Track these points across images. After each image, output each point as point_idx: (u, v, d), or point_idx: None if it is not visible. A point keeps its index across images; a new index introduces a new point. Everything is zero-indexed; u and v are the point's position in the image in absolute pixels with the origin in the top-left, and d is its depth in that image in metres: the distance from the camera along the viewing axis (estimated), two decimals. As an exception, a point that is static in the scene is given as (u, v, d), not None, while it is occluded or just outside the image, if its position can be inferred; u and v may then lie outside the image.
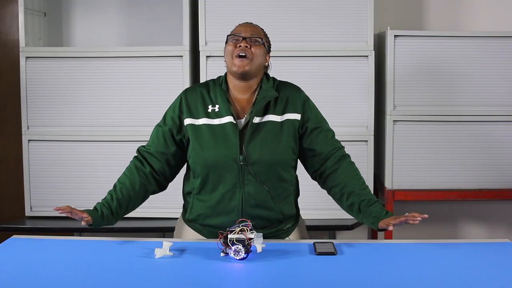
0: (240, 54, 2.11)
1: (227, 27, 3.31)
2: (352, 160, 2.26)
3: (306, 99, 2.22)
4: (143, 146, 2.29)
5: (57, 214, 3.54)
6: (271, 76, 2.26)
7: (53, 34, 3.86)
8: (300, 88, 2.25)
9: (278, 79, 2.27)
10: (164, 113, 2.25)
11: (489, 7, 3.84)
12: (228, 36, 2.20)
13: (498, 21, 3.83)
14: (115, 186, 2.22)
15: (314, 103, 2.26)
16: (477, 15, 3.84)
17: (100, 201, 2.18)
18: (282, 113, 2.15)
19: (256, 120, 2.12)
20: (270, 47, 2.26)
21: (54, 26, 3.86)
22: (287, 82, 2.26)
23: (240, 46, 2.11)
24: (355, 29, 3.42)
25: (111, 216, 2.14)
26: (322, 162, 2.21)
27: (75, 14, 3.86)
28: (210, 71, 3.41)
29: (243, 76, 2.15)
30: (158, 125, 2.24)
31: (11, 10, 4.03)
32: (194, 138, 2.14)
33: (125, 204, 2.18)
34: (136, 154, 2.28)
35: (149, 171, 2.22)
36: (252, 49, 2.12)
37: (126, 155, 3.45)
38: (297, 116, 2.17)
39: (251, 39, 2.13)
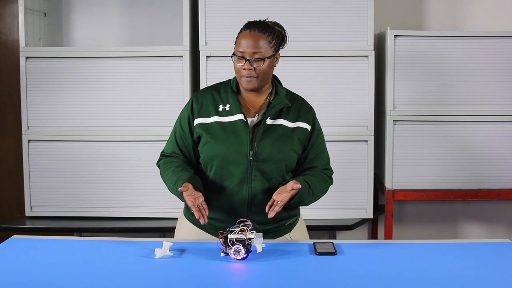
0: (246, 77, 2.15)
1: (227, 27, 3.35)
2: (330, 180, 2.31)
3: (316, 118, 2.30)
4: (163, 152, 2.33)
5: (57, 214, 3.59)
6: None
7: (53, 34, 3.86)
8: (311, 106, 2.32)
9: (290, 90, 2.32)
10: (177, 119, 2.31)
11: (489, 7, 3.84)
12: (234, 44, 2.19)
13: (498, 21, 3.83)
14: (172, 170, 2.20)
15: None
16: (477, 15, 3.84)
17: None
18: (294, 121, 2.23)
19: (269, 122, 2.19)
20: (281, 44, 2.24)
21: (54, 26, 3.86)
22: (299, 95, 2.33)
23: (244, 69, 2.15)
24: (355, 29, 3.42)
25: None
26: (302, 171, 2.28)
27: (75, 14, 3.87)
28: (210, 71, 3.41)
29: (253, 91, 2.22)
30: (174, 130, 2.30)
31: (11, 10, 4.03)
32: (205, 133, 2.20)
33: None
34: (161, 158, 2.33)
35: (182, 159, 2.27)
36: (256, 69, 2.15)
37: (126, 155, 3.50)
38: (307, 127, 2.25)
39: (254, 59, 2.14)
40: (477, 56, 3.45)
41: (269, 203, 2.09)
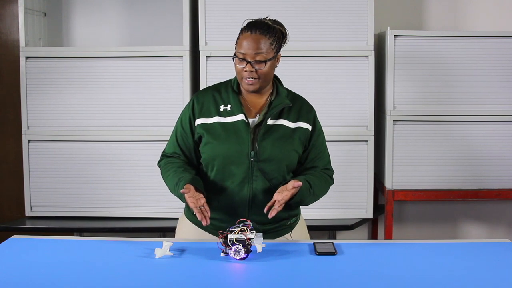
0: (248, 78, 2.15)
1: (227, 27, 3.35)
2: (331, 180, 2.32)
3: (317, 118, 2.31)
4: (164, 152, 2.33)
5: (57, 214, 3.59)
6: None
7: (53, 34, 3.86)
8: (312, 106, 2.32)
9: (291, 90, 2.32)
10: (178, 119, 2.30)
11: (489, 7, 3.84)
12: (235, 44, 2.19)
13: (498, 21, 3.83)
14: (174, 171, 2.20)
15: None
16: (477, 15, 3.84)
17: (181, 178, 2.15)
18: (295, 121, 2.23)
19: (270, 122, 2.20)
20: (282, 43, 2.23)
21: (54, 26, 3.86)
22: (300, 95, 2.33)
23: (246, 71, 2.14)
24: (355, 29, 3.42)
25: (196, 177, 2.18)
26: (302, 170, 2.28)
27: (75, 14, 3.87)
28: (210, 71, 3.41)
29: (254, 92, 2.22)
30: (175, 130, 2.30)
31: (11, 10, 4.03)
32: (206, 133, 2.20)
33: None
34: (162, 158, 2.33)
35: (183, 159, 2.28)
36: (258, 71, 2.14)
37: (126, 155, 3.50)
38: (308, 127, 2.25)
39: (256, 61, 2.14)
40: (477, 56, 3.45)
41: (269, 204, 2.08)
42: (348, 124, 3.46)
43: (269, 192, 2.16)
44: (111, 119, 3.50)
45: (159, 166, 2.32)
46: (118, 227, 3.45)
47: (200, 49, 3.43)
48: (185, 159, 2.27)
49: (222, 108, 2.21)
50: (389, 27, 3.43)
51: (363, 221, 3.53)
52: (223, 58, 3.33)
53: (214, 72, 3.39)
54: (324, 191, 2.27)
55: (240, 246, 1.91)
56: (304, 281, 1.77)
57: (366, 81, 3.44)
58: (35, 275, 1.82)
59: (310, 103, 2.32)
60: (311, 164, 2.27)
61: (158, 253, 1.97)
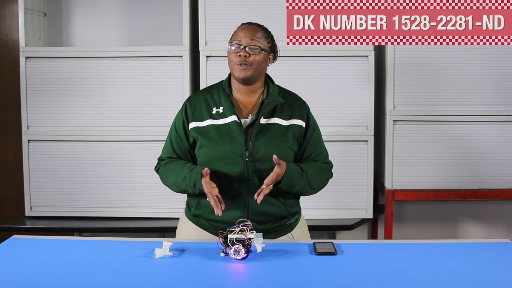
0: (241, 63, 2.17)
1: (227, 27, 3.32)
2: (329, 171, 2.33)
3: (310, 114, 2.30)
4: (160, 157, 2.34)
5: (57, 214, 3.58)
6: (275, 81, 2.33)
7: (53, 34, 3.86)
8: (305, 102, 2.32)
9: (283, 87, 2.33)
10: (171, 124, 2.31)
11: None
12: (230, 40, 2.22)
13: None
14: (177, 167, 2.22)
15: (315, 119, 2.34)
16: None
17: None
18: (288, 118, 2.23)
19: (263, 121, 2.20)
20: (275, 47, 2.28)
21: (54, 26, 3.86)
22: (292, 92, 2.33)
23: (240, 55, 2.17)
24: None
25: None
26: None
27: (75, 14, 3.87)
28: (210, 71, 3.41)
29: (245, 81, 2.22)
30: (169, 135, 2.31)
31: (11, 10, 4.03)
32: (200, 137, 2.21)
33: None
34: (159, 162, 2.33)
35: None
36: (251, 57, 2.17)
37: (126, 155, 3.50)
38: (302, 123, 2.25)
39: (250, 47, 2.17)
40: (478, 56, 3.45)
41: (259, 191, 2.09)
42: (348, 124, 3.46)
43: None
44: (111, 119, 3.50)
45: (157, 171, 2.31)
46: (118, 227, 3.45)
47: (200, 49, 3.43)
48: None
49: (214, 110, 2.22)
50: (389, 27, 3.43)
51: (363, 221, 3.53)
52: (223, 58, 3.28)
53: (214, 72, 3.39)
54: (321, 179, 2.27)
55: (240, 246, 1.91)
56: (304, 281, 1.77)
57: (366, 81, 3.44)
58: (35, 275, 1.82)
59: (304, 99, 2.32)
60: (309, 160, 2.27)
61: (158, 253, 1.98)
